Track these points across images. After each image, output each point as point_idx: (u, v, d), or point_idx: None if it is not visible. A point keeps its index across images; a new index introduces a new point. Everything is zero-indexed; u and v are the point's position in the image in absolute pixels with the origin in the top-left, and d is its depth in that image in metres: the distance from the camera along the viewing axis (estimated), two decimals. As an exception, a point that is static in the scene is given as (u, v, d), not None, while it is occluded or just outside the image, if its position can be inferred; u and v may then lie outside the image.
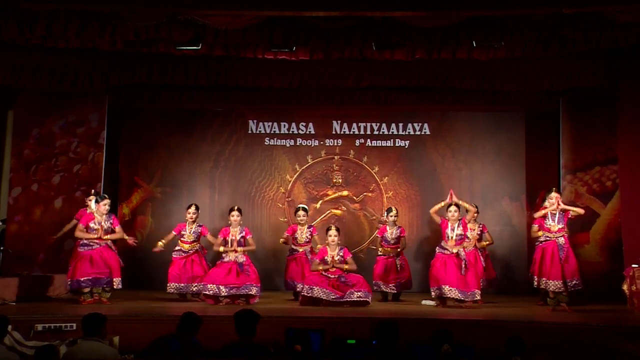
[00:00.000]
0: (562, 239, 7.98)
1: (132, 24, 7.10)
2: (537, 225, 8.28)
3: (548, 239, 8.05)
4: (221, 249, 8.19)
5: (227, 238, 8.24)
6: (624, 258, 8.50)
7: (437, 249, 8.24)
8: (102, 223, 8.08)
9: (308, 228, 8.92)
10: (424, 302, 8.39)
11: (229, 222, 8.39)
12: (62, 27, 7.05)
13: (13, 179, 9.52)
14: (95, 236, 8.02)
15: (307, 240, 8.85)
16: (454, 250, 8.04)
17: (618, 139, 8.84)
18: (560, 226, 8.02)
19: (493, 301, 8.48)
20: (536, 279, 8.07)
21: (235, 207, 8.46)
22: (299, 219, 8.91)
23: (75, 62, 8.87)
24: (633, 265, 7.78)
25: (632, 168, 8.60)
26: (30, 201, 9.47)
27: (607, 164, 9.38)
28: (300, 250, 8.79)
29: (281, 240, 9.12)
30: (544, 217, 8.15)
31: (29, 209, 9.45)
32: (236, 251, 8.14)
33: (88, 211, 8.33)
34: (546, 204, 8.21)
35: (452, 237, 8.12)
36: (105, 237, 8.06)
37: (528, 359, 4.77)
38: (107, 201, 8.17)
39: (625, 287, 7.86)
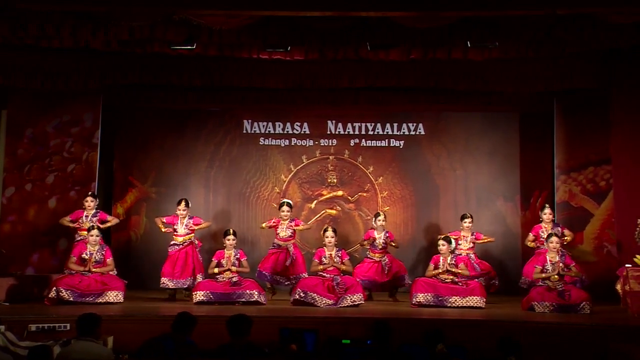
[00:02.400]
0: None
1: (126, 23, 7.09)
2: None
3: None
4: (215, 270, 8.12)
5: (222, 261, 8.19)
6: (617, 258, 8.55)
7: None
8: (94, 254, 8.02)
9: (290, 222, 8.83)
10: None
11: (224, 244, 8.32)
12: (56, 27, 7.04)
13: (7, 178, 9.48)
14: (83, 269, 7.92)
15: (290, 236, 8.76)
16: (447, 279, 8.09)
17: (611, 140, 8.87)
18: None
19: (487, 301, 8.48)
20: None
21: (231, 231, 8.41)
22: (282, 214, 8.80)
23: (68, 62, 8.85)
24: (626, 265, 7.81)
25: (626, 168, 8.63)
26: (24, 201, 9.44)
27: (601, 164, 9.40)
28: (282, 245, 8.70)
29: (264, 224, 9.01)
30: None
31: (22, 209, 9.42)
32: (231, 271, 8.08)
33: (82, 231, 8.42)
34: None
35: (443, 265, 8.15)
36: (95, 269, 7.93)
37: (522, 359, 4.77)
38: (94, 232, 8.11)
39: (618, 286, 7.88)
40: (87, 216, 8.61)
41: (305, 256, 9.38)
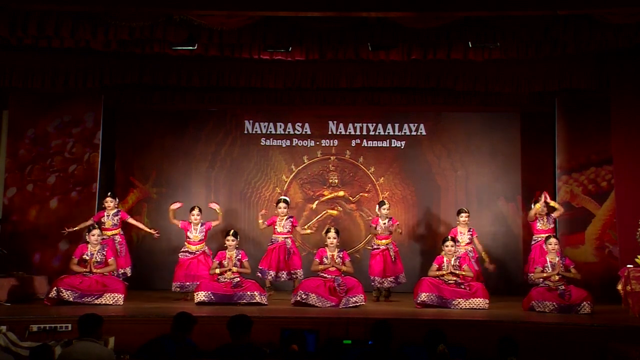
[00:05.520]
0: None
1: (126, 24, 7.09)
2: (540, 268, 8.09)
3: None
4: (217, 270, 8.12)
5: (223, 261, 8.19)
6: (619, 258, 8.54)
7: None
8: (95, 254, 8.02)
9: (288, 219, 8.94)
10: None
11: (225, 245, 8.33)
12: (55, 27, 7.04)
13: (8, 179, 9.50)
14: (85, 270, 7.92)
15: (288, 230, 8.89)
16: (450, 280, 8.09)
17: (612, 140, 8.86)
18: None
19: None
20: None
21: (231, 232, 8.41)
22: (279, 210, 8.93)
23: (68, 62, 8.86)
24: (628, 266, 7.80)
25: (627, 168, 8.61)
26: (26, 201, 9.46)
27: (602, 165, 9.41)
28: (280, 239, 8.85)
29: (260, 222, 9.07)
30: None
31: (24, 209, 9.43)
32: (232, 272, 8.07)
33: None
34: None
35: (447, 267, 8.15)
36: (96, 270, 7.93)
37: (522, 359, 4.77)
38: (95, 231, 8.15)
39: (620, 287, 7.87)
40: (108, 215, 8.77)
41: (307, 257, 9.42)
